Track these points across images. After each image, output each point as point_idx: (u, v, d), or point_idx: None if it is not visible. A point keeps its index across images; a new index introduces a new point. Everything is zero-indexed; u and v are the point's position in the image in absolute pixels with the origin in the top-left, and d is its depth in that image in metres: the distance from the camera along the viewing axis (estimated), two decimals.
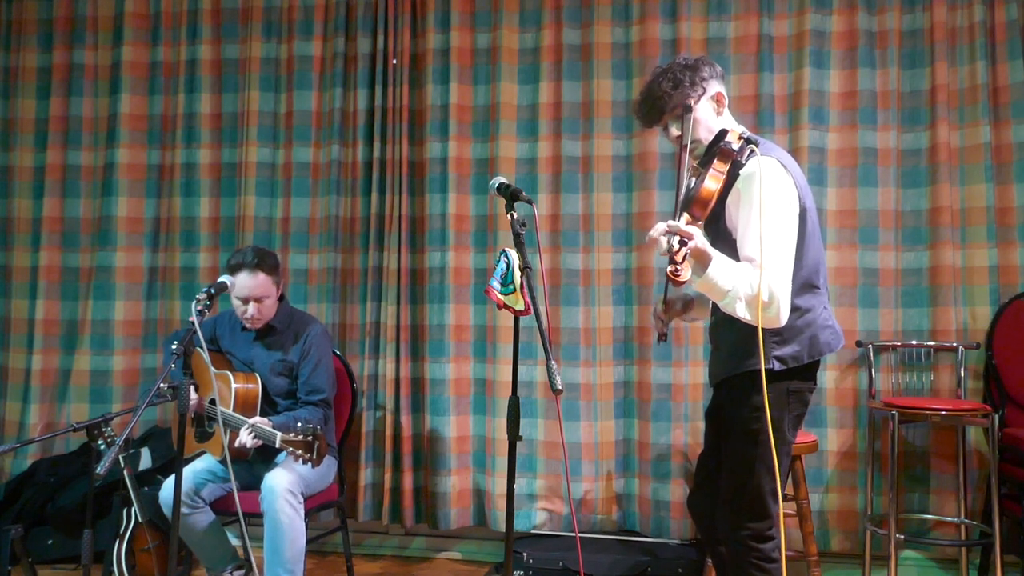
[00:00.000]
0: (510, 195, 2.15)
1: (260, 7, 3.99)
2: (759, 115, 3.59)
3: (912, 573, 3.51)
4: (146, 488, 3.27)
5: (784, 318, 2.03)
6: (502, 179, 2.23)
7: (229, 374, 3.01)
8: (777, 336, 2.09)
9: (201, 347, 2.66)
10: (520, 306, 2.20)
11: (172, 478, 2.50)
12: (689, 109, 2.17)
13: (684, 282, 1.89)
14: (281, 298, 3.18)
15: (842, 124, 3.57)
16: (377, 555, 3.86)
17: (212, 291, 2.58)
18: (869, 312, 3.52)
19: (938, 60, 3.48)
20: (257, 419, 2.85)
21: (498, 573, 3.61)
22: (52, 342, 4.04)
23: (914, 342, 3.47)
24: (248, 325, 3.08)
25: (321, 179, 3.93)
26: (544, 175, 3.76)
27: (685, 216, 2.01)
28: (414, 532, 3.88)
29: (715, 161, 2.06)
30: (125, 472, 3.03)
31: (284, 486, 2.79)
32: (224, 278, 2.72)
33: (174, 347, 2.45)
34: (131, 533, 3.06)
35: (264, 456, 3.01)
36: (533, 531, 3.66)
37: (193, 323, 2.44)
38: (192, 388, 2.98)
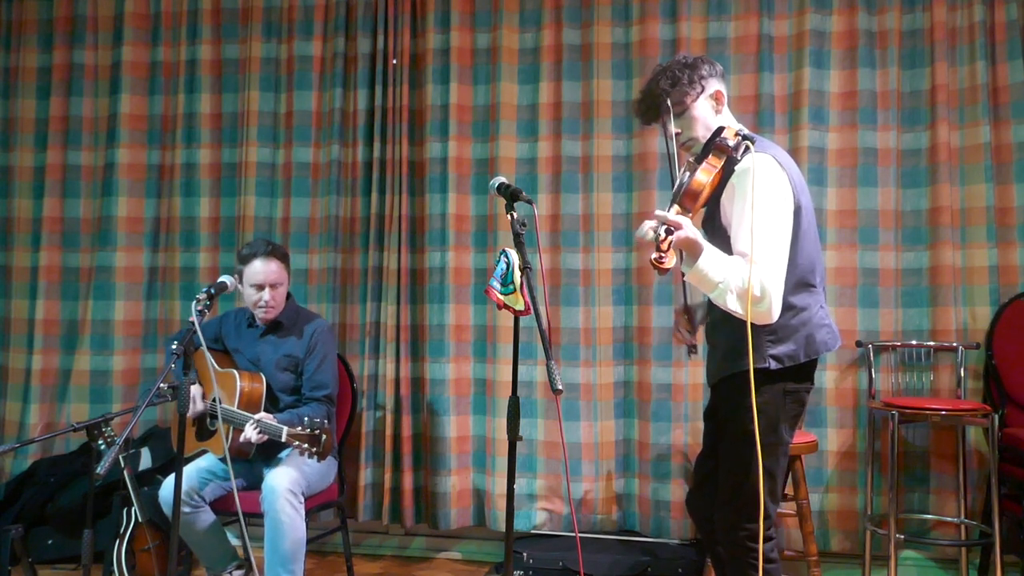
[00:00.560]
0: (510, 195, 2.15)
1: (260, 7, 3.99)
2: (759, 115, 3.59)
3: (912, 573, 3.51)
4: (146, 488, 3.27)
5: (776, 314, 2.03)
6: (502, 179, 2.23)
7: (234, 372, 3.01)
8: (772, 335, 2.09)
9: (201, 347, 2.66)
10: (520, 306, 2.20)
11: (172, 477, 2.50)
12: (687, 107, 2.18)
13: (667, 269, 1.92)
14: (288, 296, 3.21)
15: (842, 124, 3.57)
16: (377, 555, 3.87)
17: (212, 291, 2.58)
18: (869, 312, 3.52)
19: (938, 60, 3.48)
20: (262, 414, 2.87)
21: (498, 573, 3.61)
22: (52, 342, 4.04)
23: (914, 342, 3.47)
24: (262, 315, 3.10)
25: (321, 179, 3.93)
26: (544, 175, 3.76)
27: (675, 207, 2.02)
28: (414, 532, 3.89)
29: (709, 156, 2.07)
30: (125, 472, 3.04)
31: (285, 486, 2.79)
32: (225, 278, 2.73)
33: (174, 347, 2.45)
34: (131, 533, 3.06)
35: (265, 455, 3.02)
36: (533, 531, 3.66)
37: (193, 323, 2.44)
38: (197, 390, 3.01)
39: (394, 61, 3.85)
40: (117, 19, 4.08)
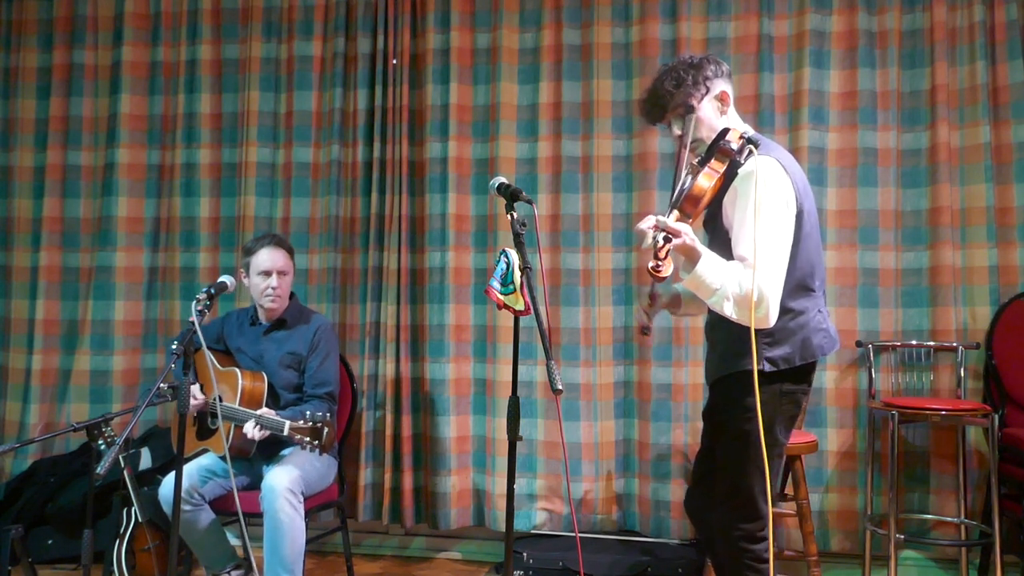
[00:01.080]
0: (510, 195, 2.15)
1: (260, 7, 3.99)
2: (759, 115, 3.59)
3: (912, 573, 3.51)
4: (146, 488, 3.27)
5: (773, 319, 2.03)
6: (502, 179, 2.23)
7: (236, 370, 3.02)
8: (769, 337, 2.09)
9: (202, 347, 2.66)
10: (520, 306, 2.20)
11: (172, 475, 2.50)
12: (691, 109, 2.18)
13: (664, 278, 1.92)
14: (291, 295, 3.24)
15: (842, 124, 3.57)
16: (377, 555, 3.87)
17: (212, 291, 2.58)
18: (869, 312, 3.52)
19: (938, 60, 3.48)
20: (264, 410, 2.89)
21: (498, 573, 3.61)
22: (52, 342, 4.04)
23: (914, 342, 3.47)
24: (269, 303, 3.13)
25: (321, 179, 3.93)
26: (544, 175, 3.76)
27: (675, 213, 2.02)
28: (414, 532, 3.88)
29: (712, 160, 2.06)
30: (125, 472, 3.04)
31: (284, 485, 2.79)
32: (224, 278, 2.73)
33: (174, 347, 2.46)
34: (131, 533, 3.06)
35: (266, 454, 3.02)
36: (533, 531, 3.66)
37: (193, 323, 2.44)
38: (198, 388, 3.01)
39: (394, 61, 3.85)
40: (117, 19, 4.08)
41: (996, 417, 3.09)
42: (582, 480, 3.65)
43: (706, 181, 2.04)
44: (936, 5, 3.50)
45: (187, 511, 2.87)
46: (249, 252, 3.15)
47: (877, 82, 3.56)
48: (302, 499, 2.85)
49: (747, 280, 1.99)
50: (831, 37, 3.59)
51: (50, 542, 3.61)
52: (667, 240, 1.91)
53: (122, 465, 3.02)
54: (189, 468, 2.90)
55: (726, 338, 2.17)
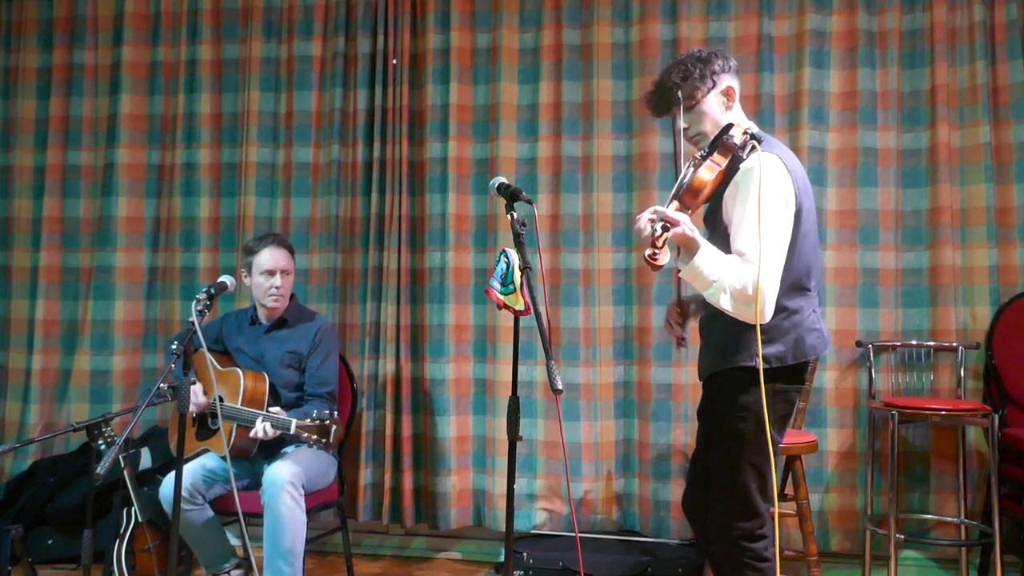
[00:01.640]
0: (510, 195, 2.15)
1: (260, 7, 3.99)
2: (759, 115, 3.58)
3: (912, 573, 3.51)
4: (146, 488, 3.27)
5: (768, 314, 2.04)
6: (502, 179, 2.23)
7: (238, 371, 3.02)
8: (763, 335, 2.08)
9: (202, 347, 2.66)
10: (520, 306, 2.20)
11: (173, 475, 2.50)
12: (696, 103, 2.19)
13: (660, 266, 1.94)
14: (292, 295, 3.24)
15: (842, 124, 3.57)
16: (377, 555, 3.86)
17: (212, 291, 2.59)
18: (869, 312, 3.52)
19: (938, 60, 3.48)
20: (276, 408, 2.91)
21: (498, 573, 3.61)
22: (52, 342, 4.04)
23: (914, 342, 3.47)
24: (271, 303, 3.14)
25: (321, 179, 3.93)
26: (544, 175, 3.76)
27: (675, 204, 2.03)
28: (414, 532, 3.88)
29: (715, 153, 2.07)
30: (125, 472, 3.04)
31: (286, 478, 2.79)
32: (224, 278, 2.73)
33: (174, 347, 2.46)
34: (131, 533, 3.06)
35: (267, 453, 3.02)
36: (533, 531, 3.66)
37: (193, 323, 2.44)
38: (200, 389, 3.01)
39: (394, 61, 3.85)
40: (117, 19, 4.08)
41: (996, 417, 3.09)
42: (582, 480, 3.65)
43: (707, 174, 2.05)
44: (936, 5, 3.50)
45: (188, 511, 2.86)
46: (251, 252, 3.16)
47: (877, 82, 3.56)
48: (303, 493, 2.85)
49: (745, 274, 2.00)
50: (831, 37, 3.59)
51: (50, 542, 3.61)
52: (665, 229, 1.92)
53: (122, 465, 3.01)
54: (191, 468, 2.90)
55: (721, 335, 2.17)
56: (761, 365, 2.03)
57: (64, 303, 4.07)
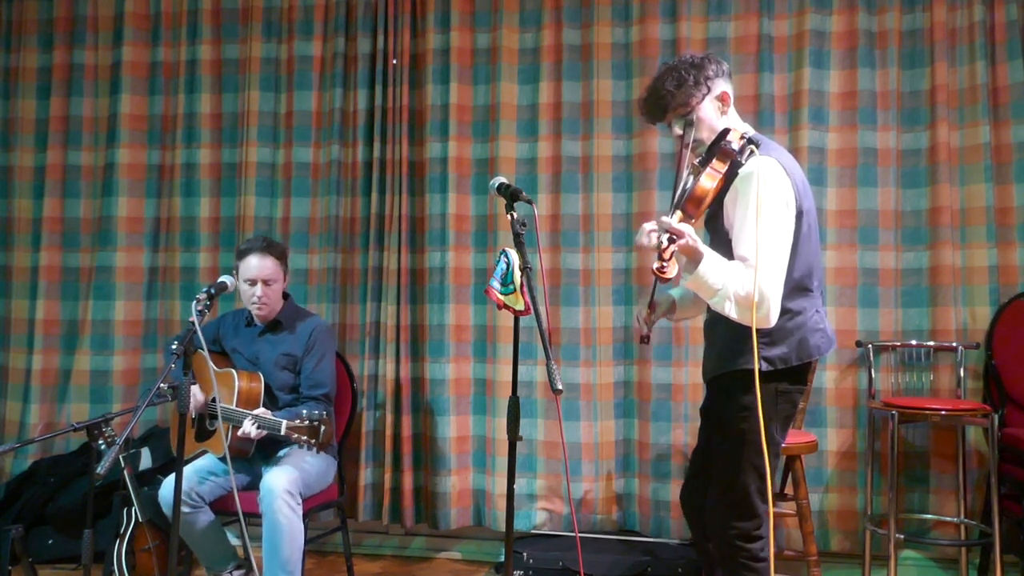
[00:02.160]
0: (510, 195, 2.15)
1: (260, 7, 3.99)
2: (759, 115, 3.59)
3: (912, 573, 3.51)
4: (146, 488, 3.27)
5: (774, 319, 2.04)
6: (502, 179, 2.23)
7: (233, 372, 3.02)
8: (766, 337, 2.09)
9: (202, 347, 2.67)
10: (520, 306, 2.20)
11: (172, 476, 2.50)
12: (691, 110, 2.18)
13: (669, 279, 1.93)
14: (286, 296, 3.22)
15: (842, 124, 3.57)
16: (377, 555, 3.86)
17: (212, 291, 2.58)
18: (869, 312, 3.52)
19: (938, 60, 3.48)
20: (260, 410, 2.88)
21: (498, 573, 3.61)
22: (52, 342, 4.04)
23: (914, 342, 3.47)
24: (255, 311, 3.12)
25: (321, 179, 3.93)
26: (544, 175, 3.76)
27: (678, 214, 2.03)
28: (414, 532, 3.88)
29: (714, 160, 2.07)
30: (125, 472, 3.04)
31: (283, 486, 2.79)
32: (224, 278, 2.73)
33: (174, 347, 2.46)
34: (131, 533, 3.06)
35: (265, 453, 3.02)
36: (533, 531, 3.66)
37: (193, 323, 2.44)
38: (196, 389, 3.01)
39: (394, 61, 3.85)
40: (117, 19, 4.08)
41: (996, 417, 3.09)
42: (582, 480, 3.65)
43: (708, 182, 2.05)
44: (936, 5, 3.50)
45: (187, 512, 2.86)
46: (238, 256, 3.13)
47: (877, 82, 3.56)
48: (300, 500, 2.84)
49: (748, 280, 2.00)
50: (831, 37, 3.59)
51: (50, 542, 3.61)
52: (671, 241, 1.92)
53: (122, 465, 3.02)
54: (188, 470, 2.90)
55: (724, 337, 2.18)
56: (757, 368, 2.03)
57: (64, 303, 4.07)
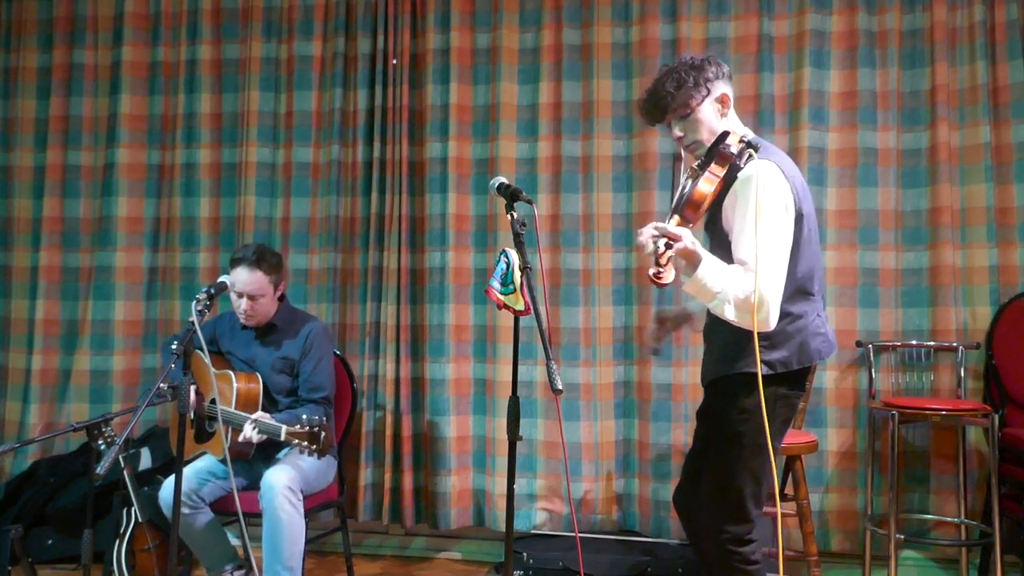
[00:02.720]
0: (510, 195, 2.15)
1: (260, 7, 3.99)
2: (759, 115, 3.59)
3: (912, 573, 3.51)
4: (146, 488, 3.27)
5: (773, 323, 2.03)
6: (502, 179, 2.23)
7: (231, 373, 3.01)
8: (767, 341, 2.08)
9: (201, 348, 2.66)
10: (520, 306, 2.20)
11: (172, 478, 2.50)
12: (691, 111, 2.18)
13: (665, 284, 1.93)
14: (282, 298, 3.20)
15: (842, 124, 3.57)
16: (377, 555, 3.86)
17: (212, 291, 2.58)
18: (869, 312, 3.52)
19: (938, 60, 3.48)
20: (260, 413, 2.86)
21: (498, 573, 3.61)
22: (52, 342, 4.04)
23: (914, 342, 3.47)
24: (242, 320, 3.09)
25: (321, 179, 3.93)
26: (544, 175, 3.76)
27: (676, 218, 2.02)
28: (414, 532, 3.88)
29: (712, 164, 2.06)
30: (125, 472, 3.04)
31: (284, 483, 2.79)
32: (224, 278, 2.73)
33: (174, 347, 2.45)
34: (131, 533, 3.06)
35: (265, 455, 3.02)
36: (533, 531, 3.66)
37: (193, 323, 2.44)
38: (192, 389, 3.00)
39: (394, 61, 3.85)
40: (117, 19, 4.08)
41: (996, 417, 3.09)
42: (582, 480, 3.65)
43: (707, 186, 2.04)
44: (936, 5, 3.50)
45: (187, 513, 2.86)
46: (231, 264, 3.05)
47: (877, 82, 3.56)
48: (301, 497, 2.84)
49: (748, 284, 1.99)
50: (831, 37, 3.59)
51: (50, 542, 3.61)
52: (668, 246, 1.91)
53: (122, 465, 3.01)
54: (188, 472, 2.89)
55: (723, 340, 2.17)
56: (759, 372, 2.02)
57: (64, 303, 4.07)
